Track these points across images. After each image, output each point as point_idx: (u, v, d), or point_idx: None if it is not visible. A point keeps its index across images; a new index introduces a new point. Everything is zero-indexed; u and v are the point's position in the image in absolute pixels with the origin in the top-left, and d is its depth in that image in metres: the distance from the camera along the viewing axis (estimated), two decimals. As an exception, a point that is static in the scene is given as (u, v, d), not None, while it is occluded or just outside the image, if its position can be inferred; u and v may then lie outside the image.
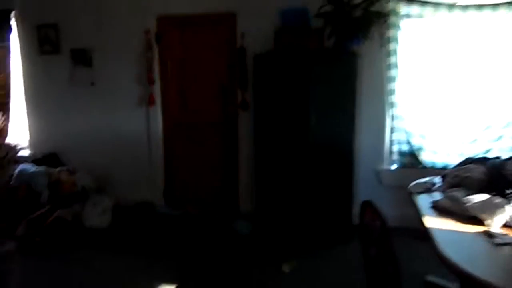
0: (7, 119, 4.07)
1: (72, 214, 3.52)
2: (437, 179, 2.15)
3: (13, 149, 3.28)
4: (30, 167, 3.72)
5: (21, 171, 3.66)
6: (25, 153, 4.11)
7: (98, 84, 3.93)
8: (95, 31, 3.83)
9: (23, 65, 4.04)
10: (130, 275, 2.67)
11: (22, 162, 3.86)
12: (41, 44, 3.95)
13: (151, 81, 3.71)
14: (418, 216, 1.77)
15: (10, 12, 3.86)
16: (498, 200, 1.61)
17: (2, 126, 4.07)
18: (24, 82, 4.07)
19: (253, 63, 3.17)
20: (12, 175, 3.56)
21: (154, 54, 3.66)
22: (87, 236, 3.32)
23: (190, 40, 3.62)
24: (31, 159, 4.01)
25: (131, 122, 3.87)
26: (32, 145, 4.19)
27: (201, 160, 3.80)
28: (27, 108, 4.12)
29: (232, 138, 3.68)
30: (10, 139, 4.08)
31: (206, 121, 3.71)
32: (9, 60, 3.96)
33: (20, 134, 4.19)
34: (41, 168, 3.70)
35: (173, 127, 3.83)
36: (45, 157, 4.04)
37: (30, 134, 4.15)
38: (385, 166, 3.37)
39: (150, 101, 3.75)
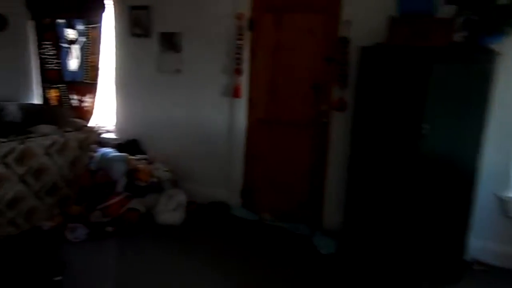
0: (94, 101, 4.38)
1: (146, 206, 3.66)
2: None
3: (94, 132, 3.44)
4: (111, 152, 3.88)
5: (101, 155, 3.84)
6: (110, 136, 4.35)
7: (184, 71, 4.00)
8: (186, 14, 3.85)
9: (117, 46, 4.21)
10: (195, 278, 2.63)
11: (105, 146, 4.15)
12: (133, 26, 4.14)
13: (238, 71, 3.71)
14: None
15: (105, -8, 4.11)
16: None
17: (89, 107, 4.43)
18: (116, 64, 4.25)
19: (358, 57, 2.97)
20: (93, 158, 3.77)
21: (245, 42, 3.60)
22: (158, 231, 3.33)
23: (286, 27, 3.47)
24: (114, 144, 4.24)
25: (213, 114, 3.86)
26: (117, 129, 4.38)
27: (285, 163, 3.66)
28: (116, 91, 4.31)
29: (321, 142, 3.50)
30: (95, 121, 4.37)
31: (294, 120, 3.55)
32: (101, 41, 4.20)
33: (106, 116, 4.44)
34: (122, 154, 3.83)
35: (258, 123, 3.74)
36: (127, 143, 4.20)
37: (117, 117, 4.34)
38: (513, 194, 2.93)
39: (236, 93, 3.74)
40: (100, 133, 3.65)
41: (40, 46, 4.64)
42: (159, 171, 3.75)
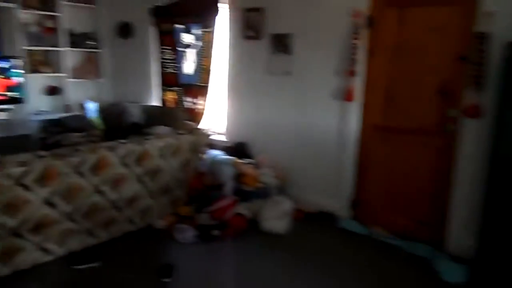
0: (205, 103, 4.51)
1: (252, 211, 3.63)
2: None
3: (205, 135, 3.50)
4: (220, 155, 3.96)
5: (211, 158, 3.91)
6: (219, 139, 4.46)
7: (295, 73, 3.90)
8: (298, 15, 3.75)
9: (229, 50, 4.29)
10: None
11: (214, 148, 4.25)
12: (246, 28, 4.17)
13: (352, 73, 3.47)
14: None
15: (220, -5, 4.20)
16: None
17: (200, 110, 4.58)
18: (228, 67, 4.33)
19: (502, 55, 2.53)
20: (203, 160, 3.85)
21: (361, 41, 3.36)
22: (263, 238, 3.27)
23: (410, 23, 3.16)
24: (223, 146, 4.32)
25: (323, 118, 3.70)
26: (227, 131, 4.47)
27: (403, 174, 3.34)
28: (227, 94, 4.39)
29: (448, 153, 3.10)
30: (206, 123, 4.51)
31: (415, 127, 3.21)
32: (214, 44, 4.29)
33: (216, 119, 4.55)
34: (230, 158, 3.87)
35: (373, 130, 3.48)
36: (235, 146, 4.26)
37: (227, 120, 4.41)
38: None
39: (348, 96, 3.51)
40: (211, 136, 3.65)
41: (160, 51, 4.90)
42: (266, 177, 3.69)
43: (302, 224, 3.53)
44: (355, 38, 3.32)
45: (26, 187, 2.35)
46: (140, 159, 2.93)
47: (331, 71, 3.56)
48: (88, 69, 5.65)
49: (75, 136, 4.52)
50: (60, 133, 4.75)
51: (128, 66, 5.40)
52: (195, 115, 4.52)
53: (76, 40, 5.39)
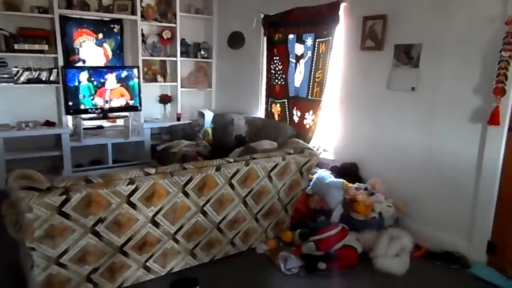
0: (316, 118, 4.19)
1: (362, 244, 3.22)
2: None
3: (316, 156, 3.19)
4: (327, 177, 3.63)
5: (318, 179, 3.63)
6: (326, 157, 4.13)
7: (420, 89, 3.41)
8: (430, 22, 3.27)
9: (343, 61, 3.98)
10: None
11: (321, 167, 3.93)
12: (364, 38, 3.79)
13: (499, 91, 2.85)
14: None
15: (340, 4, 3.88)
16: None
17: (310, 125, 4.28)
18: (342, 80, 4.02)
19: None
20: (309, 181, 3.56)
21: (514, 53, 2.71)
22: (377, 279, 2.87)
23: None
24: (330, 166, 4.00)
25: (455, 142, 3.16)
26: (335, 149, 4.14)
27: None
28: (339, 109, 4.07)
29: None
30: (314, 140, 4.20)
31: None
32: (329, 55, 3.99)
33: (325, 135, 4.24)
34: (339, 180, 3.55)
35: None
36: (344, 166, 3.91)
37: (337, 137, 4.11)
38: None
39: (493, 119, 2.90)
40: (320, 156, 3.33)
41: (269, 61, 4.74)
42: (382, 205, 3.24)
43: (423, 265, 3.04)
44: (507, 50, 2.70)
45: (133, 205, 2.26)
46: (247, 179, 2.77)
47: (469, 88, 3.00)
48: (198, 78, 5.74)
49: (184, 145, 4.62)
50: (170, 140, 4.94)
51: (236, 76, 5.37)
52: (303, 131, 4.25)
53: (189, 50, 5.50)
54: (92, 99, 4.81)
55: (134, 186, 2.24)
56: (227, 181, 2.66)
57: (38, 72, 4.58)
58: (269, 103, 4.87)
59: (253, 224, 3.01)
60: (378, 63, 3.63)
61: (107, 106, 4.89)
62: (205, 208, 2.63)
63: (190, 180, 2.46)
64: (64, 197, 2.00)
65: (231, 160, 2.76)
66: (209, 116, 5.01)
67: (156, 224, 2.44)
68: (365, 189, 3.41)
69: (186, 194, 2.48)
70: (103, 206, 2.17)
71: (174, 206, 2.47)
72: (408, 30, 3.38)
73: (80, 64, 4.90)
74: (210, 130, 4.84)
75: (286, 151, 3.06)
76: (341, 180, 3.53)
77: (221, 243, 2.88)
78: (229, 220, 2.81)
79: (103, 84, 4.80)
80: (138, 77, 5.02)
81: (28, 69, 4.51)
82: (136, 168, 2.35)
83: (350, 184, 3.48)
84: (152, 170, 2.39)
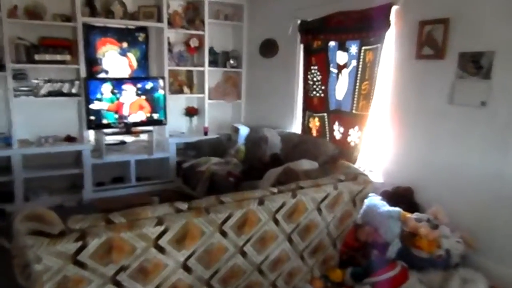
0: (361, 135, 3.80)
1: (427, 286, 2.77)
2: None
3: (371, 183, 2.79)
4: (380, 205, 3.26)
5: (370, 208, 3.26)
6: (374, 179, 3.75)
7: (493, 104, 2.95)
8: (504, 25, 2.83)
9: (394, 72, 3.60)
10: None
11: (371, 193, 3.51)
12: (421, 46, 3.36)
13: None
14: None
15: (391, 7, 3.47)
16: None
17: (357, 144, 3.87)
18: (392, 93, 3.65)
19: None
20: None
21: None
22: None
23: None
24: (381, 191, 3.61)
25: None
26: (384, 171, 3.78)
27: None
28: (390, 125, 3.70)
29: None
30: (360, 161, 3.83)
31: None
32: (377, 65, 3.60)
33: (372, 154, 3.87)
34: (395, 210, 3.15)
35: None
36: (398, 191, 3.53)
37: (387, 157, 3.74)
38: None
39: None
40: (373, 183, 2.93)
41: (306, 71, 4.45)
42: (449, 241, 2.82)
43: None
44: None
45: (162, 250, 1.96)
46: (293, 213, 2.44)
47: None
48: (227, 89, 5.52)
49: (213, 162, 4.36)
50: (196, 157, 4.69)
51: (268, 87, 5.11)
52: (347, 148, 3.92)
53: (217, 59, 5.29)
54: (115, 112, 4.62)
55: (163, 227, 1.93)
56: (271, 216, 2.33)
57: (59, 84, 4.41)
58: (306, 117, 4.56)
59: (298, 262, 2.67)
60: (438, 74, 3.24)
61: (129, 120, 4.72)
62: (245, 249, 2.31)
63: (229, 217, 2.15)
64: (80, 243, 1.68)
65: (275, 190, 2.41)
66: (244, 131, 4.77)
67: (188, 269, 2.12)
68: (428, 220, 2.93)
69: (223, 234, 2.17)
70: (126, 252, 1.85)
71: (209, 248, 2.15)
72: (477, 35, 2.96)
73: (103, 75, 4.72)
74: (243, 147, 4.62)
75: (337, 177, 2.69)
76: (398, 209, 3.15)
77: (262, 286, 2.53)
78: (271, 260, 2.48)
79: (120, 97, 4.62)
80: (164, 89, 4.85)
81: (49, 81, 4.37)
82: (165, 205, 2.03)
83: (409, 214, 3.05)
84: (184, 205, 2.07)
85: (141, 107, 4.77)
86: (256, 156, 4.33)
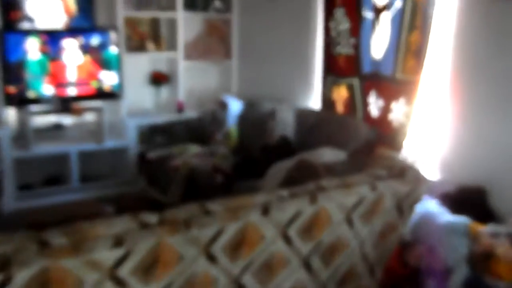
0: (409, 111, 3.84)
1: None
2: None
3: (424, 182, 2.85)
4: (438, 213, 3.35)
5: (423, 218, 3.33)
6: (431, 176, 3.78)
7: None
8: None
9: (459, 16, 3.66)
10: None
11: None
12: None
13: None
14: None
15: None
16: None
17: (403, 124, 3.89)
18: (455, 49, 3.71)
19: None
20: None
21: None
22: None
23: None
24: (438, 193, 3.62)
25: None
26: (444, 164, 3.86)
27: None
28: (452, 96, 3.76)
29: None
30: (407, 148, 3.88)
31: None
32: (433, 7, 3.66)
33: (423, 139, 3.94)
34: (461, 220, 3.24)
35: None
36: (464, 193, 3.60)
37: (447, 145, 3.82)
38: None
39: None
40: (428, 181, 3.04)
41: (328, 17, 4.53)
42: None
43: None
44: None
45: (121, 283, 2.02)
46: (312, 227, 2.51)
47: None
48: (211, 45, 5.60)
49: (192, 153, 4.44)
50: (168, 145, 4.76)
51: (273, 42, 5.20)
52: (388, 131, 4.01)
53: (196, 1, 5.34)
54: (47, 81, 4.68)
55: (123, 251, 1.96)
56: (280, 232, 2.39)
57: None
58: (328, 84, 4.63)
59: (319, 297, 2.65)
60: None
61: (69, 92, 4.78)
62: (242, 280, 2.37)
63: (218, 234, 2.19)
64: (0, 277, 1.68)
65: (285, 193, 2.48)
66: (235, 107, 4.84)
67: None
68: (509, 235, 3.06)
69: (211, 259, 2.23)
70: None
71: (191, 280, 2.20)
72: None
73: (27, 26, 4.74)
74: (235, 130, 4.69)
75: (375, 174, 2.75)
76: (464, 219, 3.24)
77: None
78: (281, 294, 2.44)
79: (60, 57, 4.66)
80: (118, 45, 4.92)
81: None
82: (125, 218, 2.06)
83: (480, 226, 3.18)
84: (153, 218, 2.12)
85: (91, 74, 4.87)
86: (256, 142, 4.41)
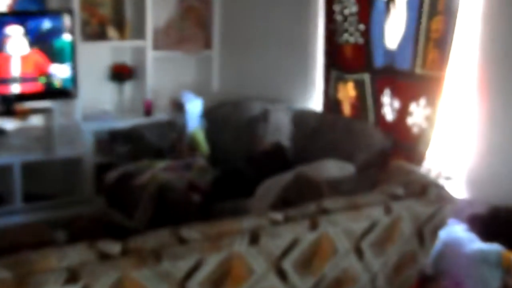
0: (433, 114, 3.87)
1: None
2: None
3: (451, 199, 2.89)
4: (466, 240, 3.43)
5: (448, 246, 3.40)
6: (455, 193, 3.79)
7: None
8: None
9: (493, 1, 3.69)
10: None
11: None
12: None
13: None
14: None
15: None
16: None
17: (424, 129, 3.93)
18: (484, 39, 3.74)
19: None
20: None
21: None
22: None
23: None
24: (466, 216, 3.69)
25: None
26: (469, 178, 3.91)
27: None
28: (481, 96, 3.80)
29: None
30: (431, 164, 3.91)
31: None
32: None
33: (446, 148, 4.00)
34: (493, 248, 3.30)
35: None
36: (496, 216, 3.64)
37: (475, 154, 3.87)
38: None
39: None
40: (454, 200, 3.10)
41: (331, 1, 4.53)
42: None
43: None
44: None
45: None
46: (312, 259, 2.54)
47: None
48: (186, 31, 5.62)
49: (161, 166, 4.49)
50: (133, 156, 4.76)
51: (264, 28, 5.25)
52: (407, 138, 4.06)
53: None
54: None
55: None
56: (273, 265, 2.42)
57: None
58: (332, 81, 4.68)
59: None
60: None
61: (11, 90, 4.76)
62: None
63: (196, 268, 2.21)
64: None
65: (279, 217, 2.49)
66: (194, 106, 4.81)
67: None
68: None
69: None
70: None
71: None
72: None
73: None
74: (201, 135, 4.71)
75: (391, 192, 2.79)
76: (497, 247, 3.30)
77: None
78: None
79: (3, 47, 4.64)
80: (72, 31, 4.90)
81: None
82: (81, 247, 2.07)
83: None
84: (115, 247, 2.13)
85: (37, 68, 4.82)
86: (242, 151, 4.49)
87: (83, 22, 5.10)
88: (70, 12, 4.85)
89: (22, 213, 4.80)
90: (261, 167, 3.96)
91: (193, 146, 4.68)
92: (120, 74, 5.43)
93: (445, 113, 3.91)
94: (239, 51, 5.61)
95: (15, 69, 4.74)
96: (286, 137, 4.37)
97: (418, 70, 4.03)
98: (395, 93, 4.20)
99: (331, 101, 4.68)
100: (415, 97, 4.05)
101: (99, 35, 5.21)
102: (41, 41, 4.79)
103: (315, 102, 4.82)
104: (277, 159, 4.11)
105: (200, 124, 4.79)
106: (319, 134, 4.28)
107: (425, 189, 2.88)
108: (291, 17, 4.97)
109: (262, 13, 5.26)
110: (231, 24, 5.65)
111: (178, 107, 4.89)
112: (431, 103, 3.93)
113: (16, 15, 4.71)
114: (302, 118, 4.46)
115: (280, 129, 4.41)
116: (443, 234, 3.37)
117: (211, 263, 2.28)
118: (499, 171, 3.80)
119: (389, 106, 4.25)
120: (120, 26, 5.33)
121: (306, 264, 2.54)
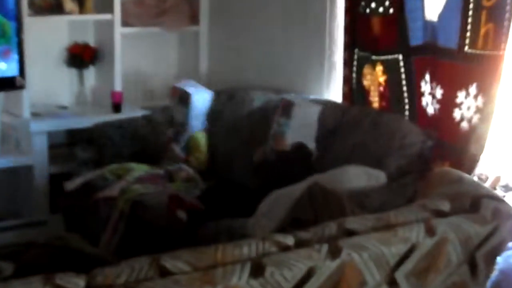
0: (489, 108, 3.89)
1: None
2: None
3: (508, 217, 2.93)
4: None
5: (507, 276, 3.45)
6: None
7: None
8: None
9: None
10: None
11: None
12: None
13: None
14: None
15: None
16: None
17: (477, 124, 3.96)
18: None
19: None
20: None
21: None
22: None
23: None
24: None
25: None
26: None
27: None
28: None
29: None
30: (485, 170, 3.94)
31: None
32: None
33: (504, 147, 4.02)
34: None
35: None
36: None
37: None
38: None
39: None
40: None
41: None
42: None
43: None
44: None
45: None
46: None
47: None
48: (166, 2, 5.71)
49: (136, 175, 4.48)
50: (97, 163, 4.79)
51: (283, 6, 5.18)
52: (454, 136, 4.07)
53: None
54: None
55: None
56: None
57: None
58: (356, 63, 4.70)
59: None
60: None
61: None
62: None
63: None
64: None
65: (290, 241, 2.52)
66: (202, 100, 4.85)
67: None
68: None
69: None
70: None
71: None
72: None
73: None
74: (203, 137, 4.75)
75: (433, 206, 2.82)
76: None
77: None
78: None
79: None
80: (17, 5, 4.89)
81: None
82: (37, 281, 2.06)
83: None
84: (78, 283, 2.12)
85: None
86: (242, 156, 4.52)
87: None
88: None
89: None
90: (275, 175, 3.98)
91: (191, 149, 4.76)
92: (80, 57, 5.48)
93: (503, 105, 3.91)
94: (233, 27, 5.69)
95: None
96: (312, 136, 4.35)
97: (468, 49, 4.03)
98: (437, 79, 4.20)
99: (355, 90, 4.72)
100: (464, 84, 4.05)
101: (53, 8, 5.25)
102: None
103: (333, 91, 4.87)
104: (297, 165, 4.09)
105: (204, 123, 4.90)
106: (340, 133, 4.33)
107: (478, 203, 2.91)
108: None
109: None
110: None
111: (181, 98, 4.91)
112: (485, 91, 3.93)
113: None
114: (326, 113, 4.46)
115: (306, 124, 4.39)
116: (502, 261, 3.40)
117: (325, 272, 2.38)
118: None
119: (430, 96, 4.26)
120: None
121: (420, 274, 2.62)
